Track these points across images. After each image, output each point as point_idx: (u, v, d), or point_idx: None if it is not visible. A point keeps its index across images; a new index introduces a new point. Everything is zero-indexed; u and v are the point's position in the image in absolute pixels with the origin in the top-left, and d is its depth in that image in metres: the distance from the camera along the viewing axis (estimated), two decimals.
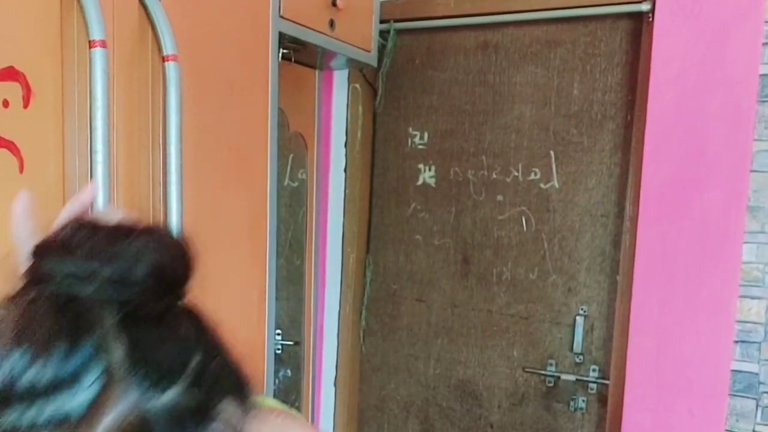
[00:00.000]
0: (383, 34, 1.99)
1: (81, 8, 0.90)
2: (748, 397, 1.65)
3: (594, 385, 1.92)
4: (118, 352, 0.44)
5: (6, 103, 0.84)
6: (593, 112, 1.90)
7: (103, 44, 0.90)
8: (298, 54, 1.67)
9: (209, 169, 1.20)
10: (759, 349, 1.64)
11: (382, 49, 1.98)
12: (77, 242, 0.49)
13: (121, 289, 0.47)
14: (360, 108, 2.10)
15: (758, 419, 1.65)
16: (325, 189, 2.17)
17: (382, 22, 1.90)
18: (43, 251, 0.49)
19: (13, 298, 0.46)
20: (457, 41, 2.04)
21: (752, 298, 1.64)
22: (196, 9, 1.13)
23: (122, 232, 0.50)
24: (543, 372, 1.98)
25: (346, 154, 2.13)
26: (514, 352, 2.02)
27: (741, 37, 1.61)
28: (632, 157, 1.82)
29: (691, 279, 1.67)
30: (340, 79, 2.09)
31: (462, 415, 2.10)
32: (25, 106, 0.86)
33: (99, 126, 0.91)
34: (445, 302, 2.09)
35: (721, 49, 1.63)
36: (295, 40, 1.49)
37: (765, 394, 1.64)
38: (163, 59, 1.02)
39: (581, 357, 1.93)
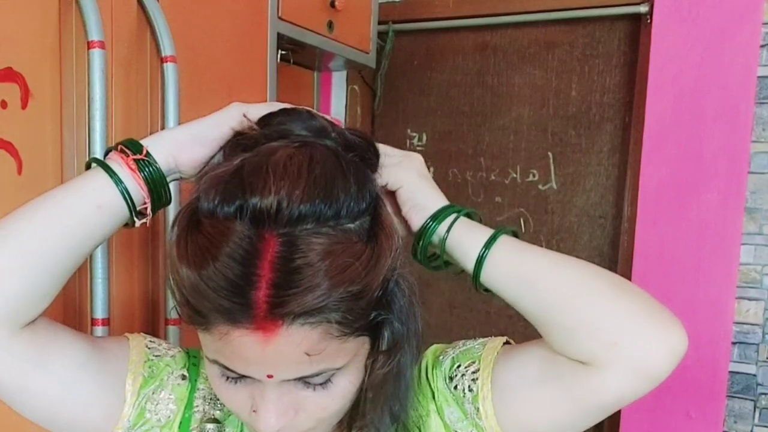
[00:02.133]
0: (382, 36, 1.99)
1: (79, 9, 0.90)
2: (745, 399, 1.66)
3: None
4: (382, 203, 0.62)
5: (4, 104, 0.84)
6: (591, 114, 1.90)
7: (102, 45, 0.90)
8: (297, 55, 1.67)
9: None
10: (757, 351, 1.64)
11: (380, 50, 1.98)
12: (305, 114, 0.65)
13: (348, 150, 0.63)
14: (358, 109, 2.10)
15: (756, 420, 1.65)
16: None
17: (380, 23, 1.90)
18: (287, 114, 0.66)
19: (290, 146, 0.60)
20: (456, 43, 2.04)
21: (750, 299, 1.64)
22: (194, 10, 1.13)
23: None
24: None
25: None
26: None
27: (739, 39, 1.61)
28: (630, 159, 1.82)
29: (689, 280, 1.67)
30: (338, 80, 2.09)
31: None
32: (24, 107, 0.86)
33: (97, 127, 0.90)
34: (444, 303, 2.09)
35: (719, 50, 1.63)
36: (293, 42, 1.49)
37: (763, 396, 1.65)
38: (162, 60, 1.02)
39: None
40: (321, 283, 0.53)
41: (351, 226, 0.57)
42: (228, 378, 0.60)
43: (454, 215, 0.70)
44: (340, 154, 0.62)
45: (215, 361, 0.59)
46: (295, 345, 0.54)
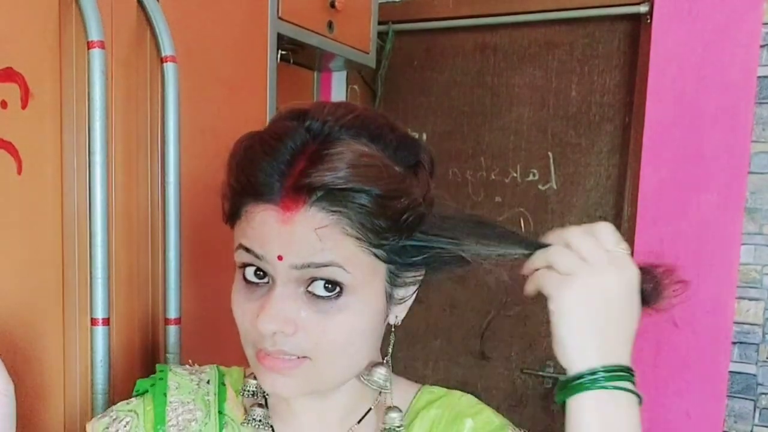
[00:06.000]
0: (381, 36, 1.99)
1: (79, 9, 0.89)
2: (745, 399, 1.66)
3: None
4: (425, 170, 0.68)
5: (4, 104, 0.84)
6: (591, 114, 1.90)
7: (102, 45, 0.90)
8: (297, 55, 1.67)
9: (208, 170, 1.20)
10: (757, 351, 1.64)
11: (380, 50, 1.98)
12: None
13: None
14: None
15: (756, 420, 1.65)
16: None
17: (380, 23, 1.90)
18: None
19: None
20: (456, 43, 2.04)
21: (750, 299, 1.64)
22: (194, 10, 1.13)
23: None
24: (541, 373, 1.98)
25: None
26: (513, 354, 2.02)
27: (739, 39, 1.61)
28: (630, 159, 1.82)
29: (689, 280, 1.67)
30: (338, 80, 2.09)
31: None
32: (24, 107, 0.86)
33: (97, 127, 0.90)
34: (444, 303, 2.09)
35: (719, 50, 1.63)
36: (293, 42, 1.49)
37: (763, 396, 1.65)
38: (162, 60, 1.02)
39: None
40: (342, 168, 0.57)
41: (389, 161, 0.62)
42: (247, 282, 0.63)
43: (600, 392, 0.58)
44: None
45: (241, 246, 0.62)
46: (310, 226, 0.58)
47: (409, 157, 0.65)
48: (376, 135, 0.62)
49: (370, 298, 0.63)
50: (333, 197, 0.57)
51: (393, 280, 0.65)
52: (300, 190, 0.57)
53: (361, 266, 0.61)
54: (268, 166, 0.59)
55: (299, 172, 0.57)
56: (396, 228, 0.61)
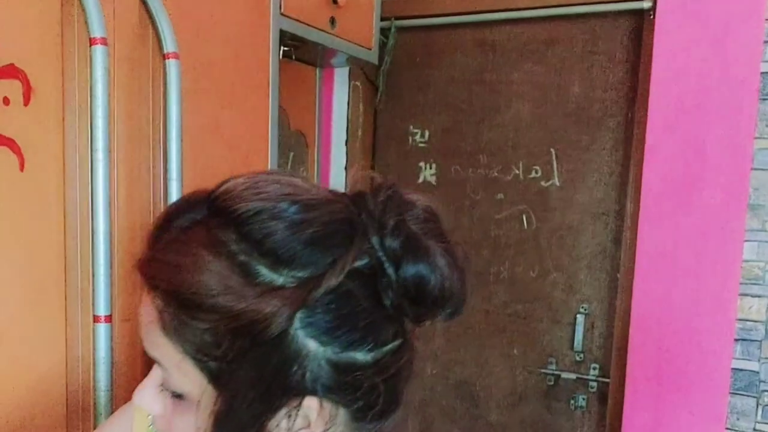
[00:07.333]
0: (384, 32, 1.99)
1: (81, 6, 0.90)
2: (748, 396, 1.65)
3: (594, 384, 1.92)
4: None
5: (6, 101, 0.84)
6: (594, 110, 1.90)
7: (104, 42, 0.90)
8: (299, 51, 1.67)
9: (210, 166, 1.20)
10: (759, 348, 1.64)
11: (382, 46, 1.98)
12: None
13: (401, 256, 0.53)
14: (361, 106, 2.10)
15: (759, 417, 1.65)
16: (325, 187, 2.16)
17: (382, 19, 1.90)
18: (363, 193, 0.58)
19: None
20: (456, 39, 2.04)
21: (753, 296, 1.64)
22: (197, 6, 1.13)
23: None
24: (543, 370, 1.98)
25: (346, 152, 2.12)
26: (514, 351, 2.02)
27: (742, 35, 1.61)
28: (633, 155, 1.81)
29: (692, 277, 1.67)
30: (340, 76, 2.09)
31: (461, 415, 2.10)
32: (26, 103, 0.86)
33: (99, 124, 0.90)
34: None
35: (722, 46, 1.62)
36: (296, 38, 1.49)
37: (765, 393, 1.64)
38: (164, 57, 1.02)
39: (582, 355, 1.93)
40: (164, 264, 0.53)
41: (241, 266, 0.50)
42: None
43: None
44: (358, 224, 0.54)
45: None
46: (143, 314, 0.56)
47: (296, 267, 0.50)
48: (259, 229, 0.50)
49: (202, 413, 0.53)
50: (157, 293, 0.53)
51: None
52: (142, 275, 0.55)
53: (191, 376, 0.52)
54: (148, 242, 0.57)
55: (145, 256, 0.55)
56: (226, 349, 0.50)
